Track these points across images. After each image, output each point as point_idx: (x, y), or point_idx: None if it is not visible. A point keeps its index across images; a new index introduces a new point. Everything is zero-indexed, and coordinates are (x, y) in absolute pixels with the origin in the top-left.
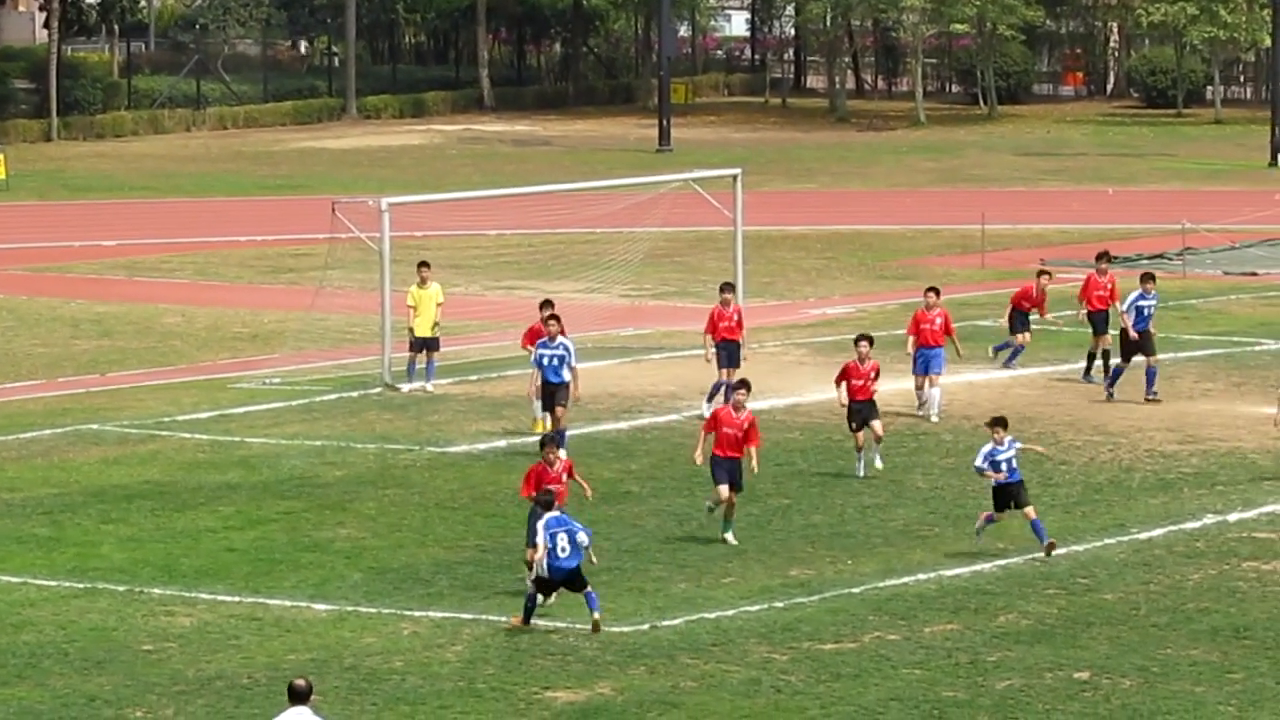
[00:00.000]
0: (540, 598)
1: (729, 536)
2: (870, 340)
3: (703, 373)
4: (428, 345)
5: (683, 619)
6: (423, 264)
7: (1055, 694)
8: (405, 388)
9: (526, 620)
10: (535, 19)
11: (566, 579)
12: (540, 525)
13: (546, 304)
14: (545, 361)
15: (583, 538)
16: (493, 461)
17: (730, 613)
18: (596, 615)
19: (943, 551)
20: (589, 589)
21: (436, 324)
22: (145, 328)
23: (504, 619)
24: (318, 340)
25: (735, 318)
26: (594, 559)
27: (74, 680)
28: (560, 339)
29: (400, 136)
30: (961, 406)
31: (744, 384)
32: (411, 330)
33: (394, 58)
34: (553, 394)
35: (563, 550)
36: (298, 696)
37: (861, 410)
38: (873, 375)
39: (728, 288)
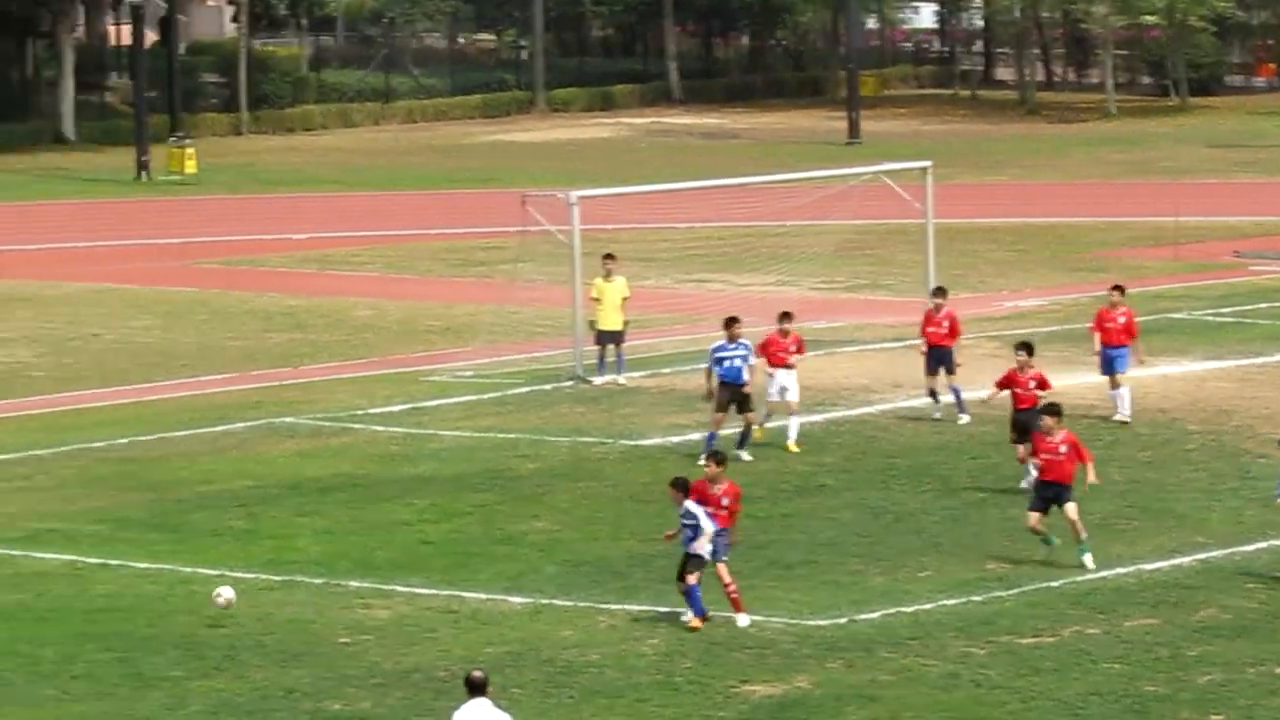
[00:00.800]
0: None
1: (1087, 560)
2: (1030, 349)
3: (893, 366)
4: (614, 339)
5: (880, 612)
6: (608, 255)
7: (1257, 689)
8: (597, 381)
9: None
10: (723, 11)
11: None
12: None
13: (786, 316)
14: (728, 363)
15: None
16: (686, 454)
17: (928, 606)
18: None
19: (1141, 545)
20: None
21: (626, 323)
22: (337, 321)
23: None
24: (510, 333)
25: (947, 324)
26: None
27: (272, 673)
28: (741, 340)
29: (589, 129)
30: (1155, 400)
31: (1052, 409)
32: (593, 324)
33: (582, 50)
34: (743, 399)
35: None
36: (476, 688)
37: (1024, 420)
38: (1033, 384)
39: (940, 292)
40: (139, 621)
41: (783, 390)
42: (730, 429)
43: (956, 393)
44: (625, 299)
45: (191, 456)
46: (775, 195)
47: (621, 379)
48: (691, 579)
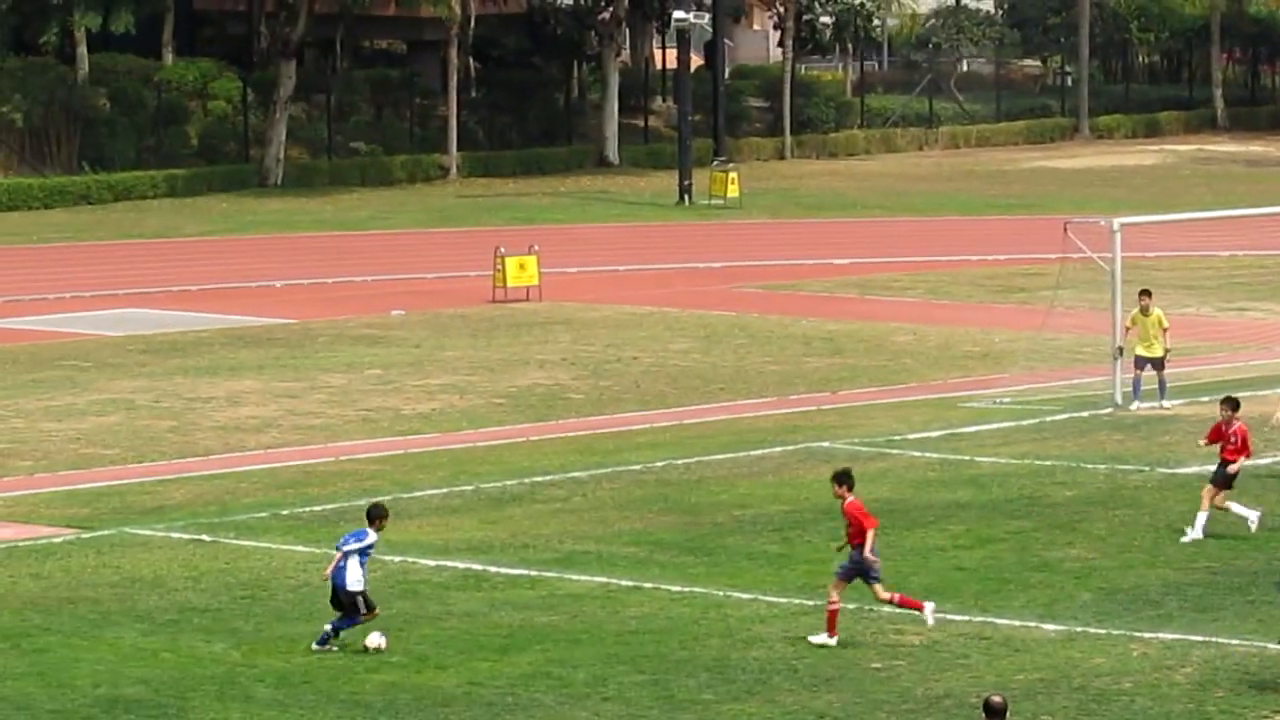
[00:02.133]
0: None
1: None
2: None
3: None
4: (1152, 364)
5: None
6: (1144, 292)
7: None
8: (1134, 406)
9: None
10: (1270, 38)
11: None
12: None
13: None
14: None
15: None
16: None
17: None
18: None
19: None
20: None
21: (1167, 350)
22: (876, 346)
23: (1234, 642)
24: (1048, 360)
25: None
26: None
27: (803, 697)
28: None
29: (1132, 156)
30: None
31: None
32: (1121, 351)
33: (1127, 77)
34: None
35: None
36: (996, 713)
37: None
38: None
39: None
40: (671, 644)
41: None
42: None
43: None
44: (1165, 329)
45: (728, 480)
46: None
47: (1166, 404)
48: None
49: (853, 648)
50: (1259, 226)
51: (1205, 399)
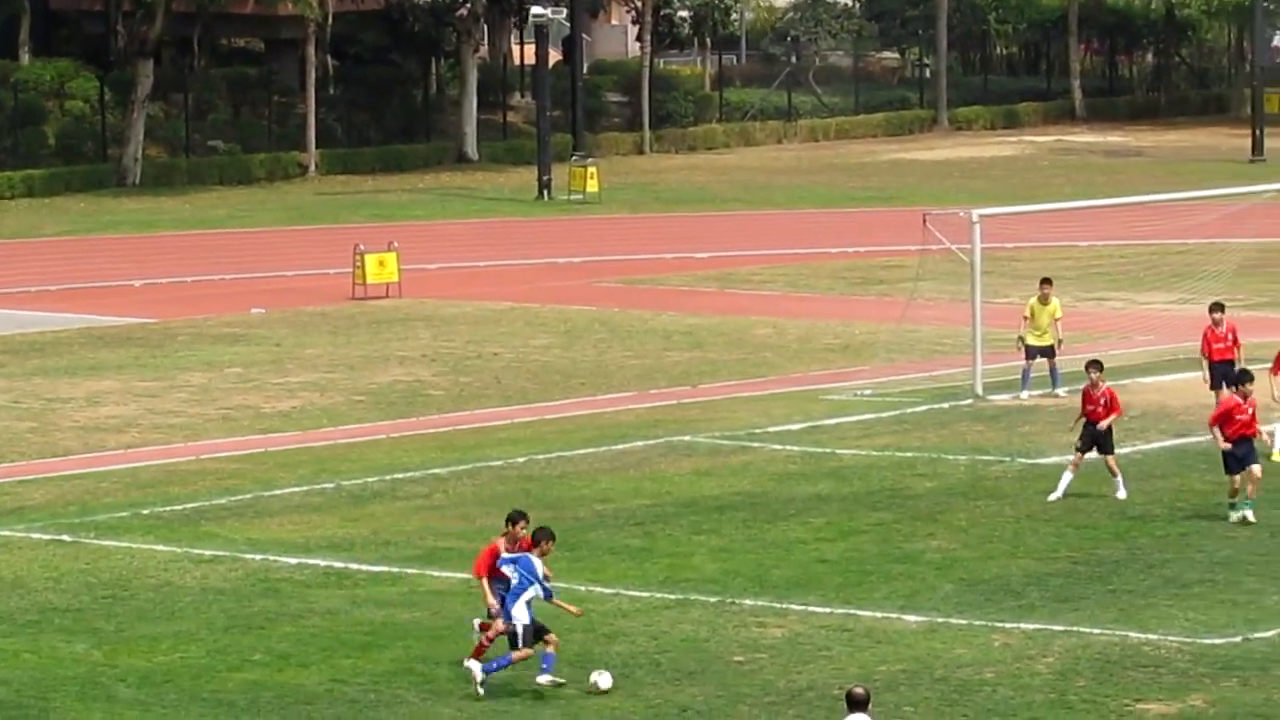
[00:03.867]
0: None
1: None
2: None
3: None
4: (1043, 353)
5: (1276, 631)
6: (1045, 280)
7: None
8: (1023, 395)
9: None
10: (1127, 29)
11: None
12: None
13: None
14: None
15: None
16: (1083, 473)
17: None
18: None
19: None
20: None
21: (1060, 341)
22: (736, 339)
23: (1095, 631)
24: (908, 352)
25: (1230, 337)
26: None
27: (666, 690)
28: None
29: (991, 148)
30: None
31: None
32: (1022, 339)
33: (985, 69)
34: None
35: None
36: (857, 704)
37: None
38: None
39: (1217, 307)
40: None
41: None
42: None
43: None
44: (1057, 320)
45: (589, 475)
46: (1177, 213)
47: (1060, 392)
48: None
49: (715, 641)
50: (1118, 217)
51: (1063, 391)
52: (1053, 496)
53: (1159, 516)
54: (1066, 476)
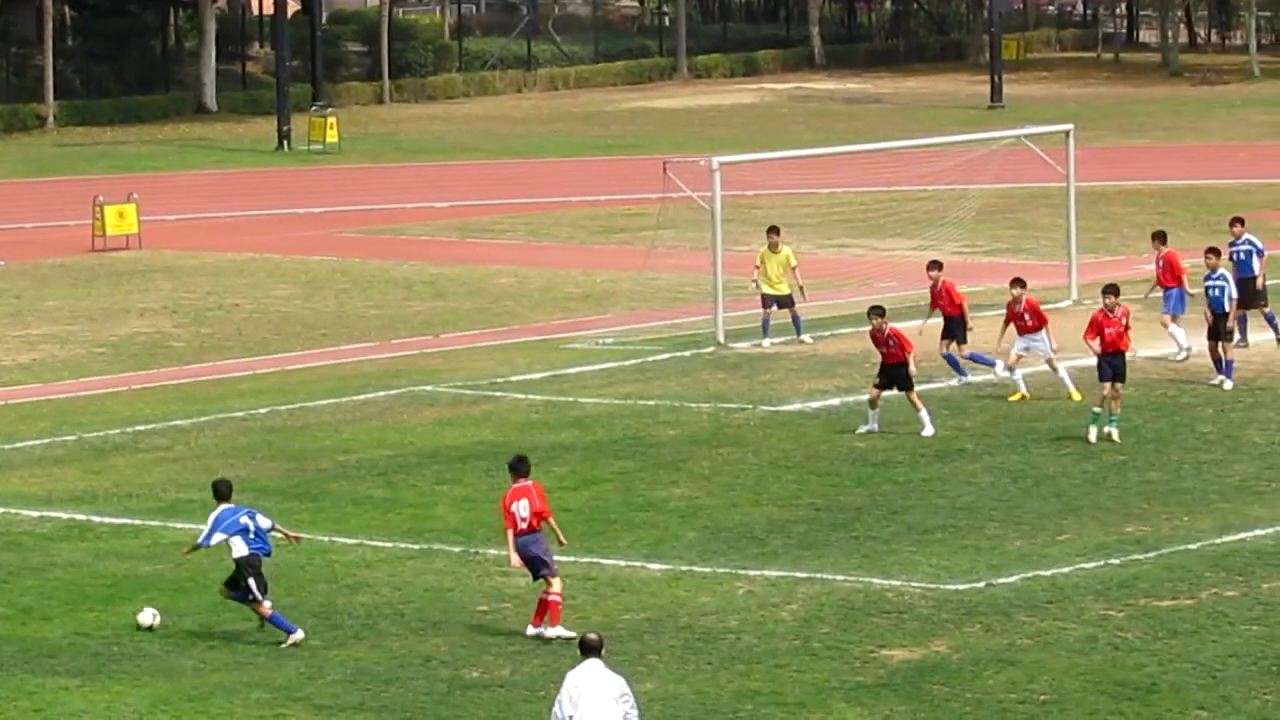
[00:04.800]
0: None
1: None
2: (1117, 290)
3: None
4: (779, 302)
5: (1018, 576)
6: (772, 229)
7: None
8: (765, 343)
9: None
10: None
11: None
12: None
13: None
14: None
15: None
16: (826, 420)
17: (1066, 570)
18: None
19: None
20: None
21: (800, 287)
22: (478, 289)
23: (839, 578)
24: (650, 300)
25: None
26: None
27: (410, 641)
28: (1221, 270)
29: (731, 95)
30: None
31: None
32: (757, 285)
33: (724, 16)
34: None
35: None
36: (590, 650)
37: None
38: (1124, 324)
39: (1018, 283)
40: (278, 591)
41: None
42: None
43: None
44: (793, 266)
45: (331, 426)
46: (918, 159)
47: (806, 338)
48: None
49: (459, 591)
50: (858, 164)
51: (809, 338)
52: (862, 429)
53: (901, 463)
54: (872, 414)
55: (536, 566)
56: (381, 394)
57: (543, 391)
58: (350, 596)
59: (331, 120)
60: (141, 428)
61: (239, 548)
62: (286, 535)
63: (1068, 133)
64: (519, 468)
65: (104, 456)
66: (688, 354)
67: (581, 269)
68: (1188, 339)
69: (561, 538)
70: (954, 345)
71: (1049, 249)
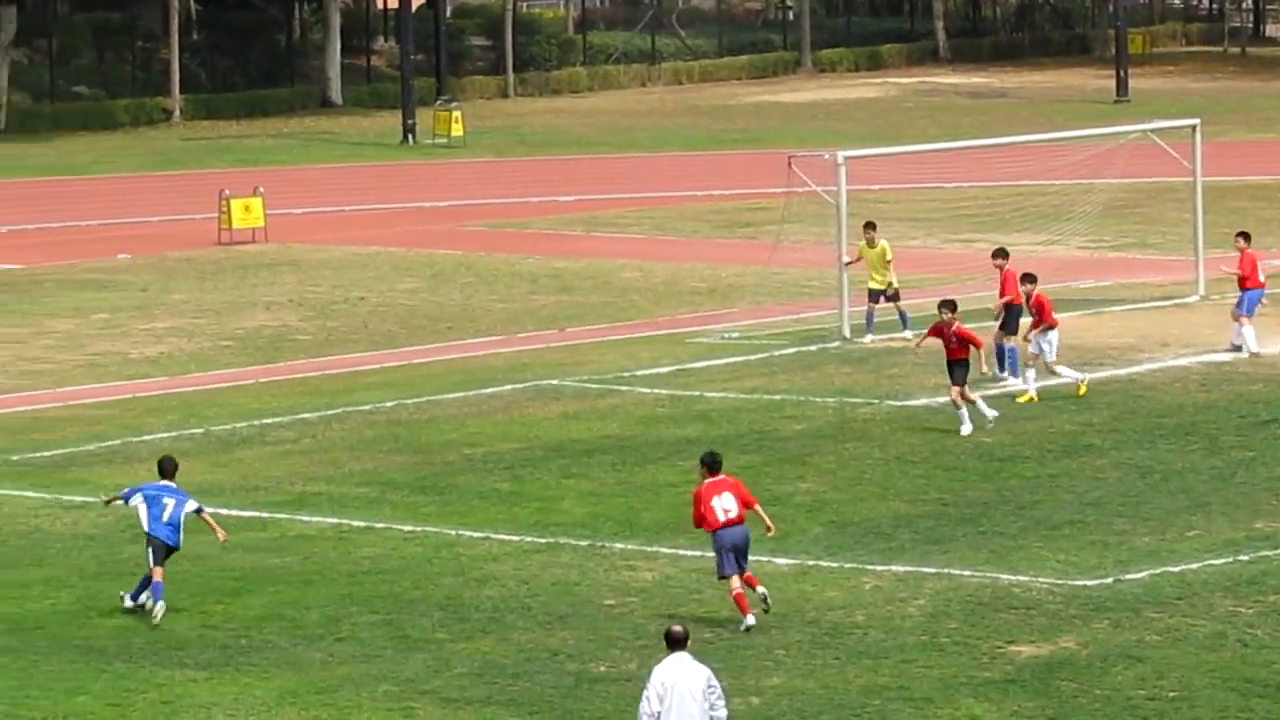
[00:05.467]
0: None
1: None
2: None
3: (1161, 325)
4: (885, 296)
5: (1146, 572)
6: (868, 225)
7: None
8: (867, 339)
9: None
10: None
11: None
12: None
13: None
14: None
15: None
16: (952, 415)
17: (1194, 566)
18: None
19: None
20: None
21: (891, 284)
22: (603, 283)
23: (966, 573)
24: (775, 294)
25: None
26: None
27: (537, 634)
28: None
29: (855, 89)
30: None
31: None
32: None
33: (849, 10)
34: None
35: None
36: (676, 642)
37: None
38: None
39: (1000, 253)
40: (404, 584)
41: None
42: None
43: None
44: (889, 261)
45: (457, 419)
46: (1043, 154)
47: (909, 333)
48: None
49: (586, 585)
50: (983, 158)
51: (909, 333)
52: (966, 429)
53: (1028, 458)
54: (963, 411)
55: (737, 559)
56: (507, 388)
57: (668, 385)
58: (477, 590)
59: (456, 114)
60: (268, 421)
61: (144, 521)
62: (213, 526)
63: (1194, 127)
64: (713, 463)
65: (230, 449)
66: (813, 348)
67: (706, 263)
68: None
69: (769, 524)
70: (1004, 335)
71: (1175, 244)
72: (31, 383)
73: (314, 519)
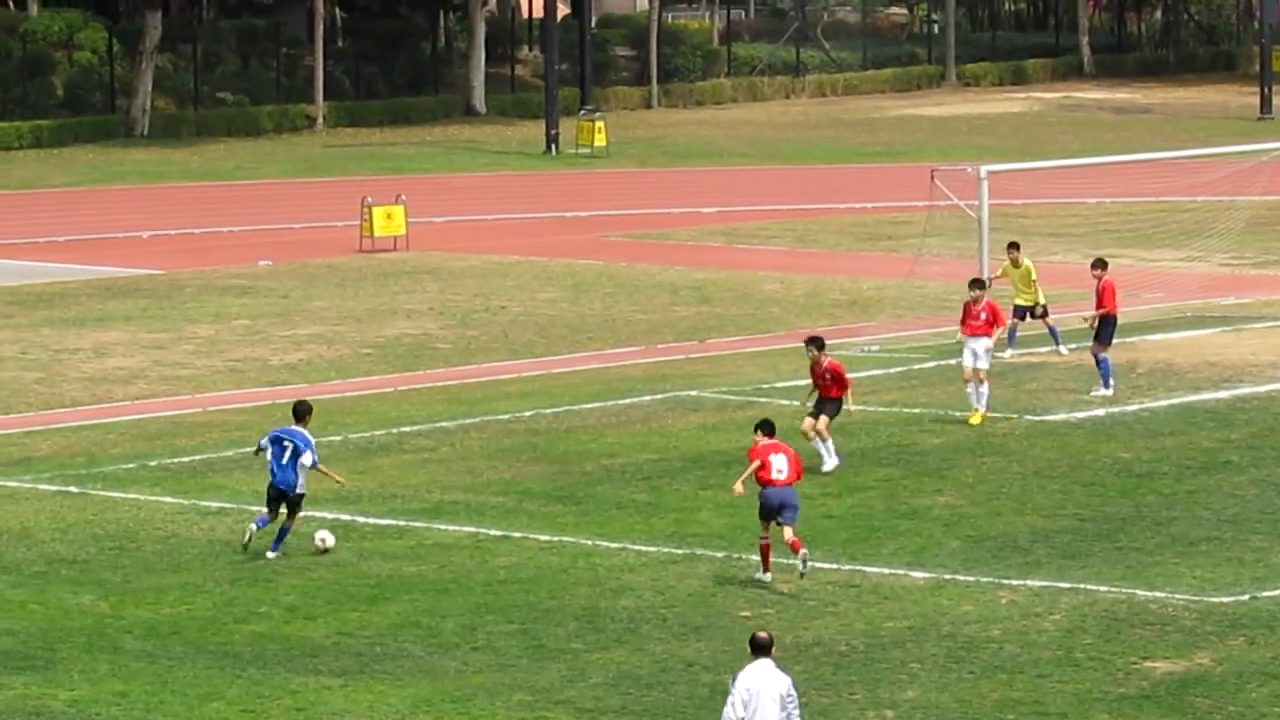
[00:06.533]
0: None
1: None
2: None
3: None
4: (1030, 313)
5: None
6: (1012, 245)
7: None
8: (1008, 354)
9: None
10: None
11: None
12: None
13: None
14: None
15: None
16: (1091, 430)
17: None
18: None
19: None
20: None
21: (1039, 301)
22: (744, 294)
23: (1102, 588)
24: (915, 308)
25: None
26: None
27: (672, 645)
28: None
29: (999, 104)
30: None
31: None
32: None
33: (994, 25)
34: None
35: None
36: (761, 649)
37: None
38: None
39: (1099, 264)
40: (540, 593)
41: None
42: None
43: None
44: (1034, 281)
45: (596, 429)
46: (1186, 170)
47: (1063, 349)
48: None
49: (722, 596)
50: (1125, 174)
51: (1072, 346)
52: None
53: (1166, 474)
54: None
55: (783, 511)
56: (646, 398)
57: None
58: (613, 600)
59: (600, 124)
60: (406, 429)
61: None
62: (330, 474)
63: None
64: (768, 428)
65: (369, 457)
66: (952, 362)
67: (847, 276)
68: None
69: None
70: (1100, 347)
71: None
72: (171, 388)
73: (451, 527)
